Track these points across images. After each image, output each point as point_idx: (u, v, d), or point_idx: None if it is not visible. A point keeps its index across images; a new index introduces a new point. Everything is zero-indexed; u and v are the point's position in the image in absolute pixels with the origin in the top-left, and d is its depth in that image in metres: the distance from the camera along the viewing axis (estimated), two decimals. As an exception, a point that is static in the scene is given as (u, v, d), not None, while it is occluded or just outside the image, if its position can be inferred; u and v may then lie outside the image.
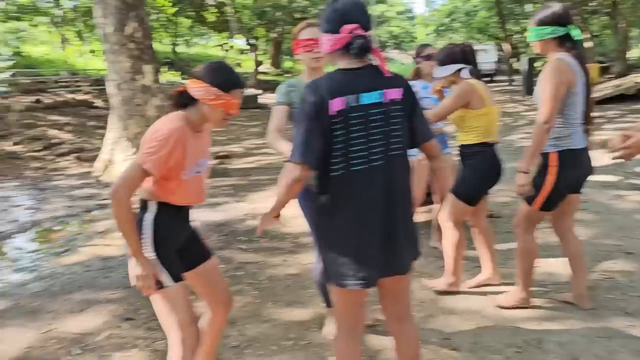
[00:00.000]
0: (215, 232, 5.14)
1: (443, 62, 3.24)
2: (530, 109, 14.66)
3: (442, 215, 3.36)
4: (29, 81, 16.01)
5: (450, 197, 3.22)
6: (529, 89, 17.67)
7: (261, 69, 26.00)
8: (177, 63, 24.22)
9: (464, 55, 3.20)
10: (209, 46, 37.45)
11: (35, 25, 23.80)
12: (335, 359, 2.02)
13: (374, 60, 1.88)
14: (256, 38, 26.85)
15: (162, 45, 27.37)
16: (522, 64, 18.38)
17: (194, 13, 24.99)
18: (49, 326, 3.31)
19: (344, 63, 1.86)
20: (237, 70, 2.17)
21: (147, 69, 8.50)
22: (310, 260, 4.20)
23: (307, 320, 3.19)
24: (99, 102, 15.40)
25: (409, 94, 1.92)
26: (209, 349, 2.38)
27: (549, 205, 2.89)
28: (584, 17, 22.20)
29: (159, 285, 2.01)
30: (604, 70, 19.58)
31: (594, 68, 17.06)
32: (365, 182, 1.81)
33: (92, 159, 10.13)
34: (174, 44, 25.20)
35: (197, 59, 29.75)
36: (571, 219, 3.14)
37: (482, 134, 3.15)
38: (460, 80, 3.17)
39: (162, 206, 2.07)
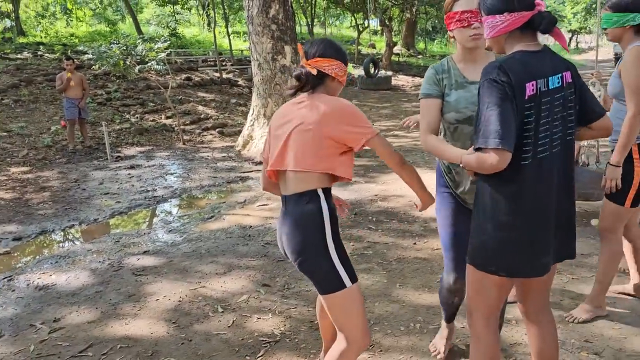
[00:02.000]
0: (345, 210, 5.27)
1: None
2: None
3: None
4: (181, 60, 17.53)
5: None
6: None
7: (394, 50, 25.72)
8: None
9: None
10: (343, 27, 37.89)
11: (189, 9, 25.87)
12: (475, 345, 1.98)
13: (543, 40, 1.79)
14: (390, 18, 26.54)
15: (298, 26, 28.25)
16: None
17: (330, -6, 25.40)
18: (198, 284, 3.68)
19: (520, 45, 1.77)
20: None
21: (288, 49, 8.85)
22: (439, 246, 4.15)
23: (435, 305, 3.17)
24: (240, 81, 16.40)
25: (577, 75, 1.85)
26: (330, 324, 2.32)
27: (638, 200, 2.75)
28: None
29: (340, 286, 1.91)
30: None
31: None
32: (547, 170, 1.76)
33: (233, 134, 10.88)
34: (310, 25, 25.80)
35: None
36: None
37: None
38: None
39: (326, 191, 1.96)
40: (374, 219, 4.97)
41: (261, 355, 2.73)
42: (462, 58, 2.22)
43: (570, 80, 1.80)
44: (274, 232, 4.77)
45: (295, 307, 3.27)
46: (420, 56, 29.14)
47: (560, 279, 3.47)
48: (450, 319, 2.62)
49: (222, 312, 3.25)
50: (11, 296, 3.62)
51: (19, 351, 2.88)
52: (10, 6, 22.36)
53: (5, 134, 9.40)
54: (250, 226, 4.99)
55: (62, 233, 5.13)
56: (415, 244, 4.26)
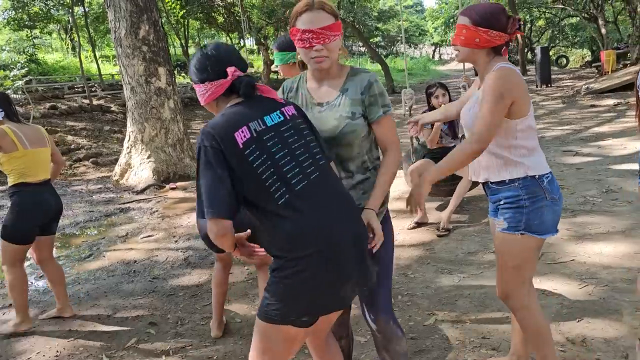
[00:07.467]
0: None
1: None
2: (546, 99, 14.45)
3: None
4: (44, 88, 16.13)
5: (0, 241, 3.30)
6: (543, 79, 17.48)
7: (272, 68, 25.95)
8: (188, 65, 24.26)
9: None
10: (219, 47, 37.48)
11: (50, 33, 23.94)
12: None
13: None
14: (265, 37, 26.77)
15: (173, 47, 27.50)
16: (536, 54, 18.00)
17: (203, 14, 24.97)
18: (77, 334, 3.28)
19: (230, 102, 1.78)
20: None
21: (162, 71, 8.48)
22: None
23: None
24: (113, 107, 15.47)
25: (300, 109, 1.87)
26: None
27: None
28: (597, 2, 21.72)
29: None
30: (621, 57, 19.16)
31: (610, 54, 16.79)
32: (312, 199, 1.68)
33: (109, 164, 10.17)
34: (185, 46, 25.15)
35: (208, 60, 29.66)
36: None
37: (19, 175, 3.25)
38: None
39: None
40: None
41: (157, 405, 2.46)
42: (311, 76, 2.01)
43: (294, 112, 1.81)
44: (162, 264, 4.45)
45: (190, 345, 3.02)
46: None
47: (452, 279, 3.59)
48: None
49: (108, 361, 2.91)
50: None
51: None
52: None
53: None
54: (135, 261, 4.61)
55: None
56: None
